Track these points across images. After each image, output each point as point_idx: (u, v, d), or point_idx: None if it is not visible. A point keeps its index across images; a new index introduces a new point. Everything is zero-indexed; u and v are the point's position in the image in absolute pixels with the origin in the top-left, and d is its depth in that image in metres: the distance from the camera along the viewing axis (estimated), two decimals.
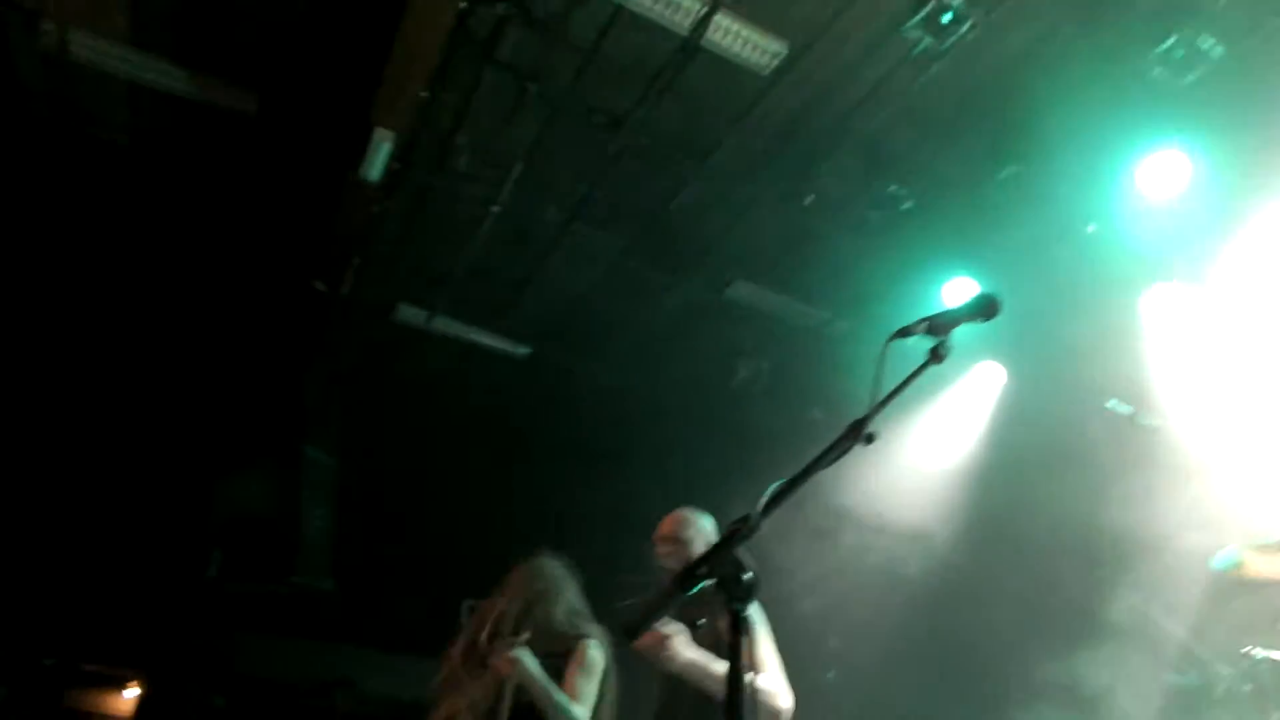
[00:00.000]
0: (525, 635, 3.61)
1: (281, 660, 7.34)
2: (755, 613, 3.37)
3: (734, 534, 1.87)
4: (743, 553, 1.86)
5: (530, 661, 3.54)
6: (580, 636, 3.73)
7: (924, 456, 6.90)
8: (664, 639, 3.08)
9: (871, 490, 6.96)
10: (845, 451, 2.03)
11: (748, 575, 1.84)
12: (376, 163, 5.19)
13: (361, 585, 7.43)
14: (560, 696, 3.55)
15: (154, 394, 6.97)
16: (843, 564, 6.91)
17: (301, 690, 7.46)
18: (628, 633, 1.79)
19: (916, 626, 6.63)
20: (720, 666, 3.09)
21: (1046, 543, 4.89)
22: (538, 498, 7.24)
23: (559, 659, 3.68)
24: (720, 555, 1.84)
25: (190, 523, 6.75)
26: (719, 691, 3.07)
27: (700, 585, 1.83)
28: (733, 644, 1.80)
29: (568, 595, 3.85)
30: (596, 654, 3.72)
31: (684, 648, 3.08)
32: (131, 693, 8.75)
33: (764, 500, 1.91)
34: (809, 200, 5.16)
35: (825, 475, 6.46)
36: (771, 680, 3.16)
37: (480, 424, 7.18)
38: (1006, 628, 5.90)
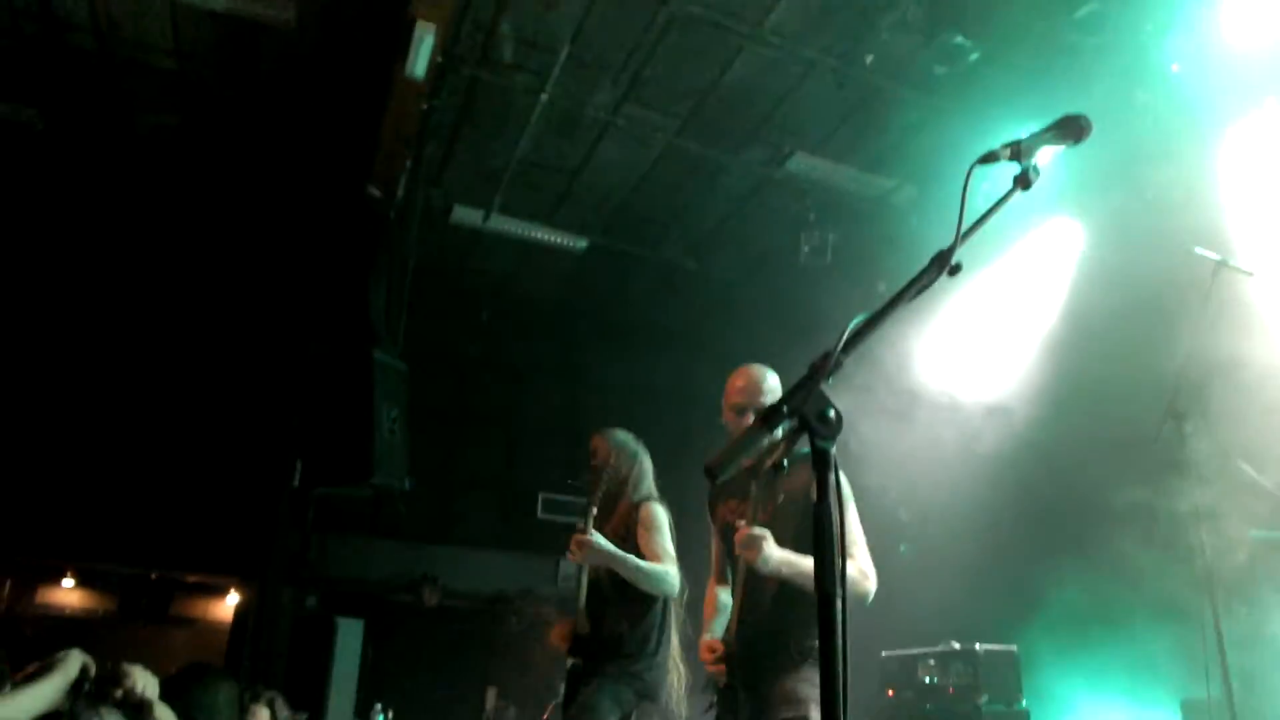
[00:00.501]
0: (592, 511, 3.62)
1: (367, 560, 7.56)
2: (844, 483, 3.34)
3: (816, 370, 1.80)
4: (826, 389, 1.80)
5: (599, 540, 3.54)
6: (641, 501, 3.76)
7: (999, 327, 6.75)
8: (756, 540, 2.97)
9: (945, 367, 6.85)
10: (929, 285, 1.94)
11: (831, 411, 1.78)
12: (420, 57, 5.08)
13: (438, 484, 7.61)
14: (638, 562, 3.57)
15: (226, 318, 7.11)
16: (915, 444, 6.84)
17: (389, 588, 7.68)
18: (708, 473, 1.74)
19: (993, 498, 6.57)
20: (810, 564, 3.04)
21: (1130, 401, 4.76)
22: (605, 385, 7.25)
23: (628, 529, 3.70)
24: (803, 393, 1.78)
25: (274, 436, 6.99)
26: (808, 585, 2.97)
27: (784, 424, 1.77)
28: (820, 480, 1.75)
29: (640, 465, 3.88)
30: (659, 510, 3.75)
31: (774, 548, 2.99)
32: (231, 599, 9.23)
33: (845, 335, 1.84)
34: (869, 60, 4.92)
35: (896, 355, 6.30)
36: (859, 561, 3.10)
37: (544, 318, 7.17)
38: (1090, 489, 5.81)
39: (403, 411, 6.01)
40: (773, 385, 3.44)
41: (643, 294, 6.97)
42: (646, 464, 3.93)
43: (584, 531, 3.56)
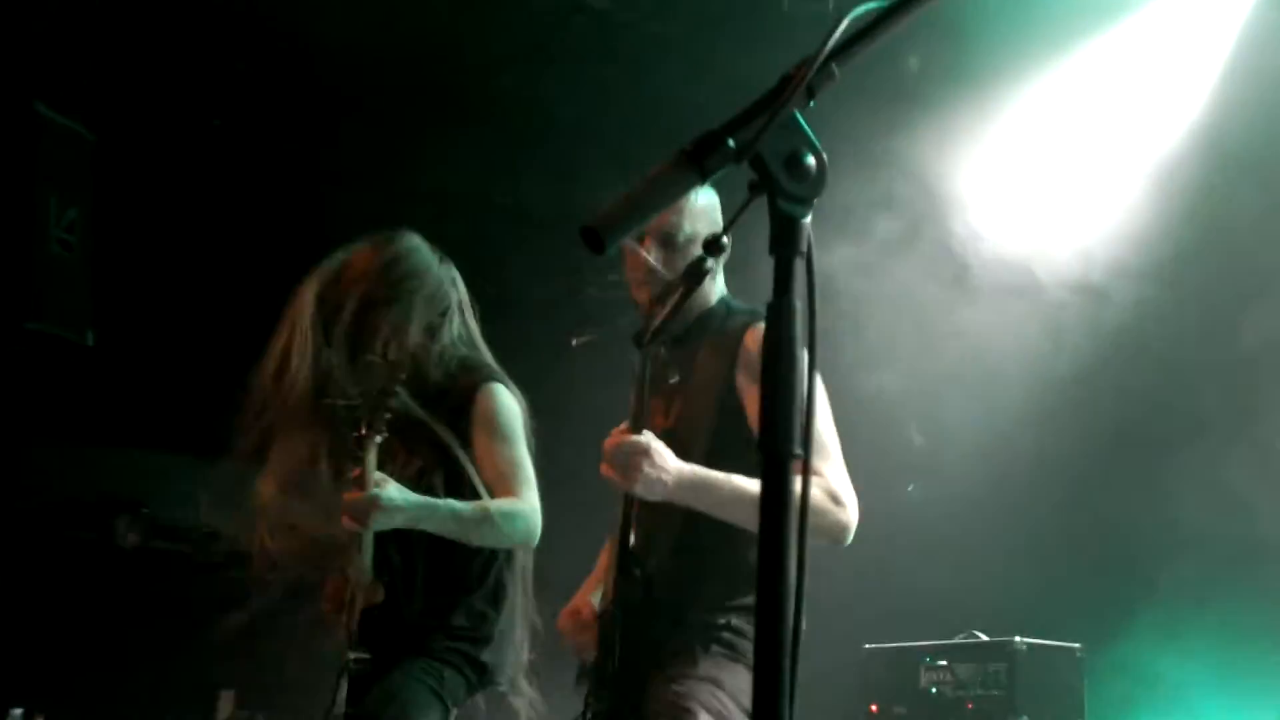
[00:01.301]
0: (375, 439, 3.57)
1: (16, 471, 7.44)
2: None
3: (787, 85, 1.67)
4: (801, 118, 1.67)
5: (395, 495, 3.53)
6: (475, 384, 3.80)
7: (1094, 153, 6.72)
8: (632, 451, 3.00)
9: (1003, 216, 6.83)
10: None
11: (808, 153, 1.65)
12: None
13: (145, 345, 7.46)
14: (471, 508, 3.61)
15: None
16: (947, 331, 6.88)
17: (64, 516, 7.64)
18: (591, 238, 1.59)
19: (1059, 422, 6.67)
20: (745, 484, 3.04)
21: None
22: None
23: (447, 424, 3.74)
24: (762, 120, 1.63)
25: None
26: (741, 516, 3.05)
27: (723, 167, 1.63)
28: (780, 275, 1.62)
29: (440, 311, 3.86)
30: (505, 397, 3.82)
31: (670, 461, 3.03)
32: None
33: (842, 28, 1.70)
34: None
35: (925, 190, 6.24)
36: (828, 480, 3.15)
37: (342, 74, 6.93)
38: (1216, 416, 5.94)
39: (86, 211, 5.85)
40: (708, 207, 3.46)
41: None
42: (461, 308, 3.94)
43: (362, 481, 3.53)
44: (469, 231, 7.06)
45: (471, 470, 3.78)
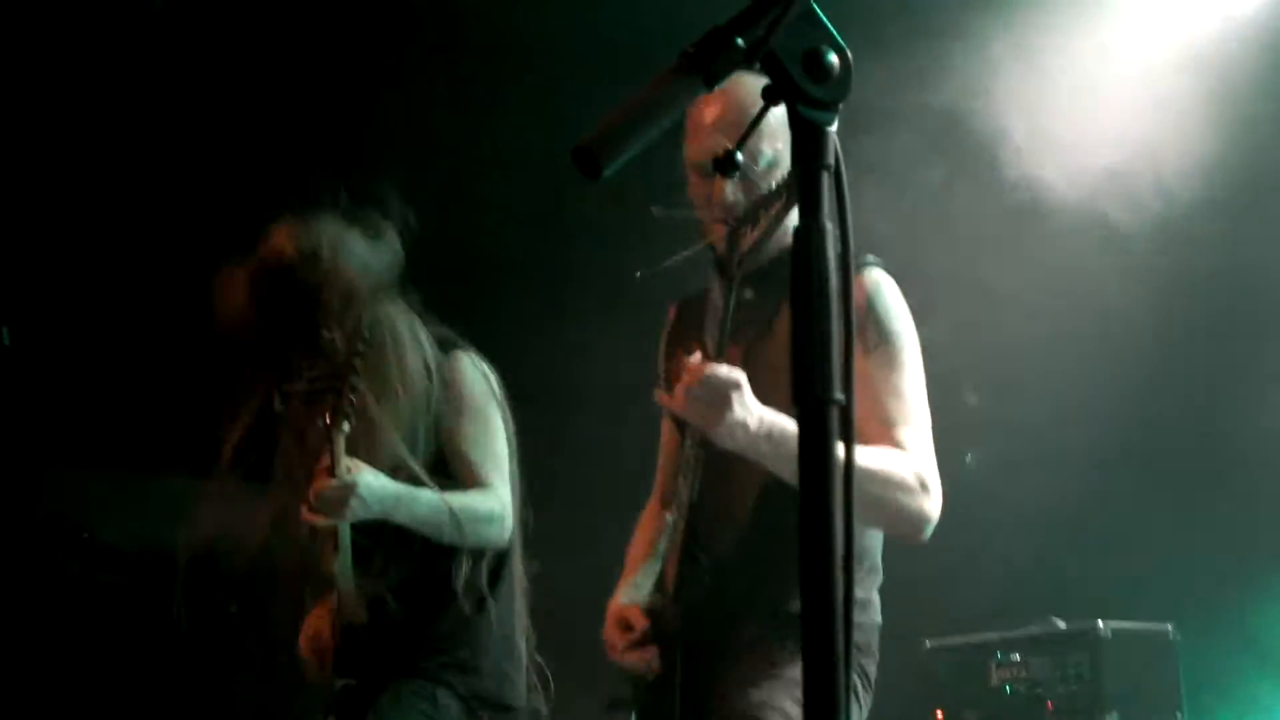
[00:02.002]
0: (343, 425, 3.62)
1: None
2: (886, 292, 3.33)
3: None
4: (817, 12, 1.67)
5: (371, 481, 3.58)
6: (440, 353, 3.89)
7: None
8: (718, 386, 2.92)
9: (1061, 147, 6.79)
10: None
11: (829, 50, 1.65)
12: None
13: (70, 344, 7.47)
14: (440, 500, 3.67)
15: None
16: (1001, 271, 6.87)
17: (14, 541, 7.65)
18: (585, 159, 1.57)
19: (1138, 376, 6.66)
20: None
21: None
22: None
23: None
24: (775, 11, 1.62)
25: None
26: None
27: (731, 71, 1.61)
28: (806, 192, 1.61)
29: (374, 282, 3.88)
30: (472, 368, 3.90)
31: (751, 403, 2.96)
32: None
33: None
34: None
35: (974, 113, 6.21)
36: (913, 455, 3.14)
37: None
38: None
39: None
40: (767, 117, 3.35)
41: None
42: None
43: (329, 468, 3.59)
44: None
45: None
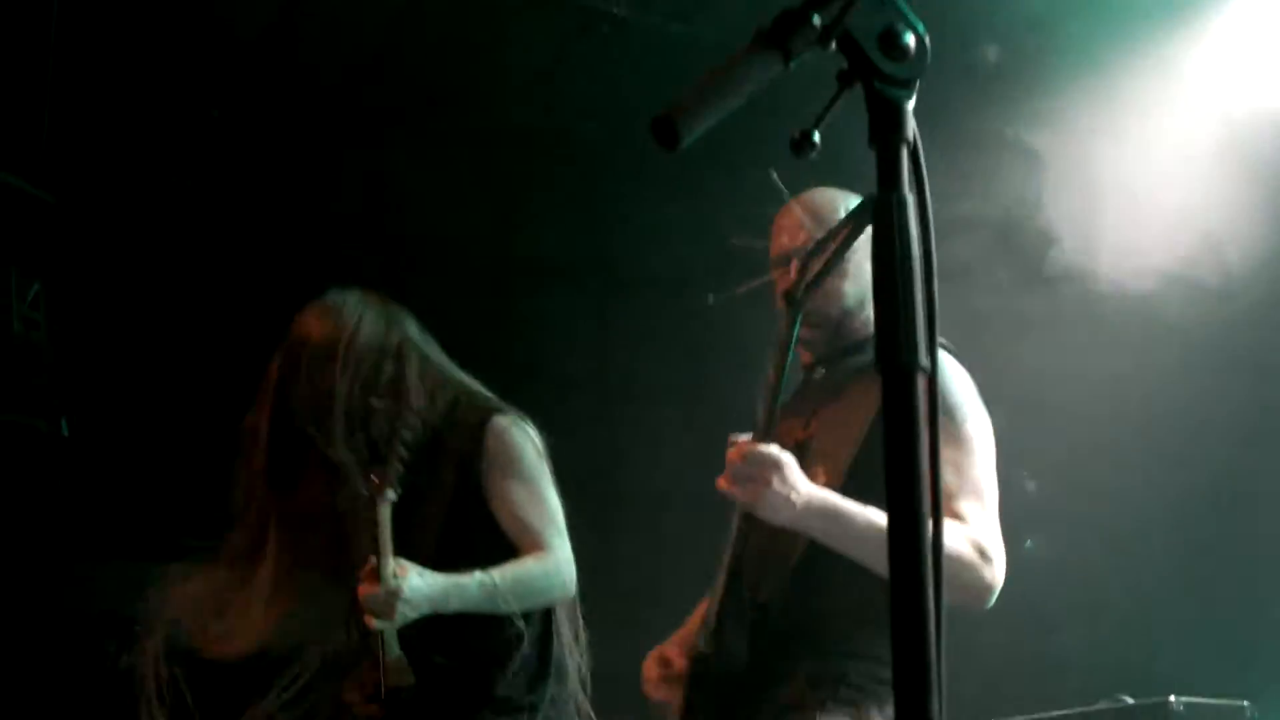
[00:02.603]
0: (388, 495, 3.68)
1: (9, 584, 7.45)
2: (956, 380, 3.38)
3: None
4: None
5: (419, 584, 3.61)
6: (480, 421, 3.89)
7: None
8: (761, 463, 3.00)
9: (1117, 215, 6.81)
10: None
11: (905, 29, 1.66)
12: None
13: (124, 437, 7.53)
14: (500, 575, 3.69)
15: None
16: (1059, 355, 6.87)
17: (59, 640, 7.58)
18: (666, 129, 1.59)
19: (1187, 453, 6.63)
20: (882, 519, 3.02)
21: None
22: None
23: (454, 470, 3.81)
24: None
25: None
26: (872, 554, 3.02)
27: (808, 49, 1.63)
28: (884, 173, 1.61)
29: (410, 355, 3.98)
30: (517, 432, 3.92)
31: (800, 481, 3.03)
32: None
33: None
34: None
35: (1029, 193, 6.22)
36: (974, 528, 3.16)
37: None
38: None
39: (50, 285, 5.99)
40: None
41: None
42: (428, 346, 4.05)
43: (375, 569, 3.63)
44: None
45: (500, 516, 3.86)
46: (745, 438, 3.08)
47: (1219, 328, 6.62)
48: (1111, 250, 6.81)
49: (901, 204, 1.59)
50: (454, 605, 3.69)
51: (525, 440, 3.95)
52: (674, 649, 3.38)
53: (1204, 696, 5.55)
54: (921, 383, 1.54)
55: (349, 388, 3.85)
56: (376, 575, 3.58)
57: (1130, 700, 5.64)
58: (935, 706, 1.52)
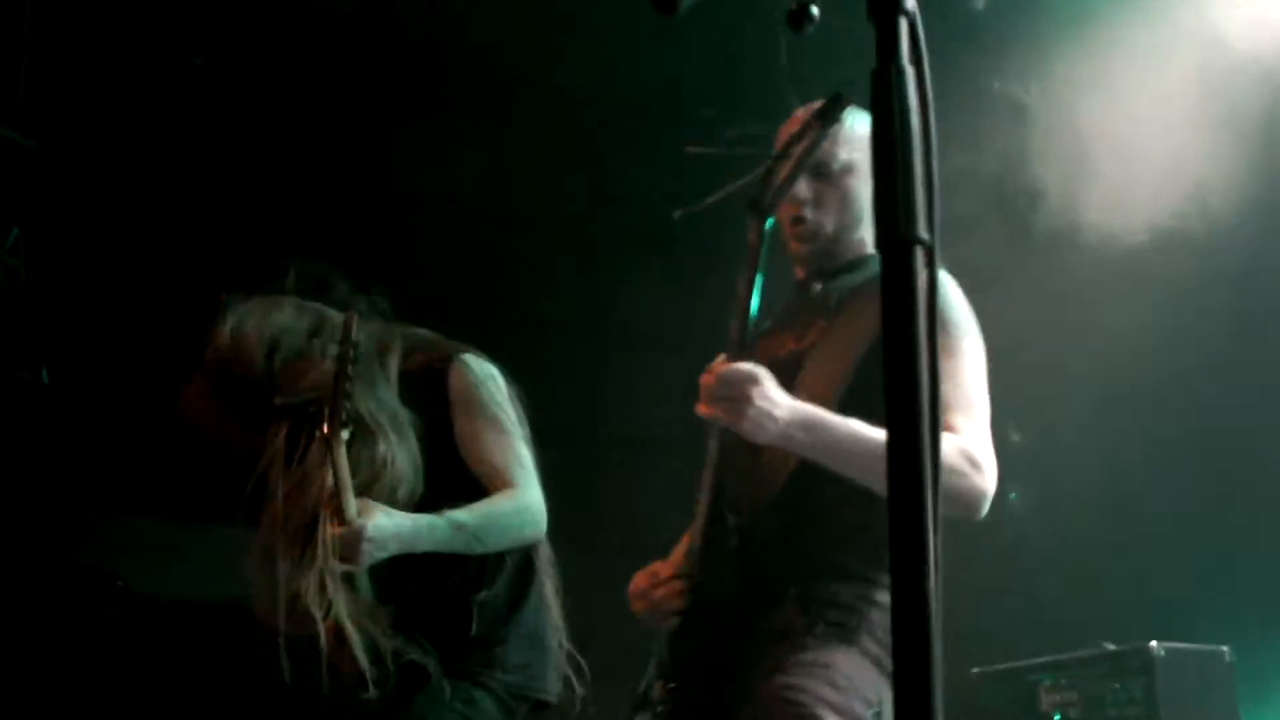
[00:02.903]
0: (341, 436, 3.62)
1: None
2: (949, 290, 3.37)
3: None
4: None
5: (384, 523, 3.57)
6: (444, 359, 3.88)
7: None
8: (738, 381, 2.97)
9: (1104, 163, 6.79)
10: None
11: None
12: None
13: (107, 388, 7.52)
14: (466, 515, 3.64)
15: None
16: (1037, 307, 6.86)
17: (47, 591, 7.57)
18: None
19: (1173, 402, 6.64)
20: (868, 430, 2.99)
21: None
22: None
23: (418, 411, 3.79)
24: None
25: None
26: (861, 467, 3.00)
27: None
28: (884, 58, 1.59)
29: (329, 321, 3.92)
30: (484, 370, 3.90)
31: (779, 396, 2.99)
32: None
33: None
34: None
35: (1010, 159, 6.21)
36: (964, 438, 3.12)
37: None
38: None
39: (29, 231, 6.00)
40: (866, 136, 3.41)
41: None
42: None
43: (340, 507, 3.57)
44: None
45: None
46: (719, 359, 3.06)
47: (1205, 279, 6.62)
48: (1099, 204, 6.81)
49: (901, 74, 1.57)
50: (424, 545, 3.63)
51: (490, 380, 3.92)
52: (660, 565, 3.33)
53: (1185, 642, 5.58)
54: (920, 258, 1.53)
55: (271, 378, 3.83)
56: (340, 516, 3.53)
57: (1112, 646, 5.66)
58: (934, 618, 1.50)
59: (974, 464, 3.10)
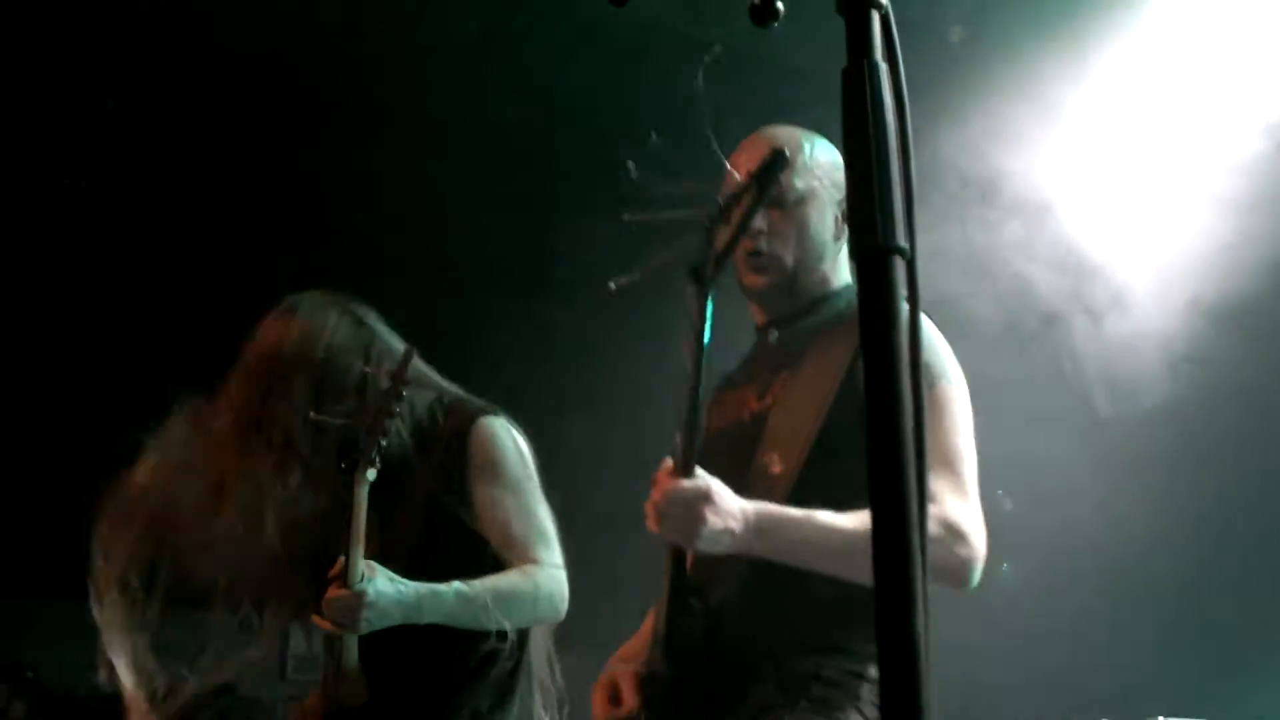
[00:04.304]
0: (367, 474, 3.68)
1: None
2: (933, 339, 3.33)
3: None
4: None
5: (386, 590, 3.58)
6: (465, 423, 3.88)
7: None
8: (681, 499, 2.93)
9: (1100, 222, 6.85)
10: None
11: None
12: None
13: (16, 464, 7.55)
14: (483, 589, 3.65)
15: None
16: (1028, 371, 6.90)
17: None
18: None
19: (1169, 471, 6.68)
20: (832, 518, 2.98)
21: None
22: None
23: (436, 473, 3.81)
24: None
25: None
26: (828, 558, 2.99)
27: None
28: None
29: (383, 359, 3.95)
30: (505, 435, 3.90)
31: (730, 501, 2.96)
32: None
33: None
34: None
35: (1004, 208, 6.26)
36: (947, 508, 3.10)
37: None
38: None
39: None
40: (828, 164, 3.45)
41: None
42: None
43: (342, 573, 3.59)
44: None
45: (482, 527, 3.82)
46: (665, 469, 3.01)
47: (1206, 332, 6.67)
48: (1098, 257, 6.86)
49: (874, 70, 1.55)
50: (428, 616, 3.63)
51: (511, 445, 3.91)
52: (625, 677, 3.24)
53: (1193, 718, 5.58)
54: (899, 268, 1.51)
55: (318, 395, 3.83)
56: (344, 577, 3.53)
57: None
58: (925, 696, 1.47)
59: (954, 532, 3.06)
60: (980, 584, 3.11)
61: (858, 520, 2.88)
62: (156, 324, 7.31)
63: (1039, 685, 6.39)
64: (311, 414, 3.78)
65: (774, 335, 3.44)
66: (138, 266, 7.28)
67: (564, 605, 3.78)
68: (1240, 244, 6.48)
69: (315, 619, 3.63)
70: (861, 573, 2.78)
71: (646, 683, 3.17)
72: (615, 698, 3.27)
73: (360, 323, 3.97)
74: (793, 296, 3.39)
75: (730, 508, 2.92)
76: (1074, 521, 6.89)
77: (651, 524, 2.96)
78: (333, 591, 3.53)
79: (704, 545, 2.92)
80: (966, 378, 3.32)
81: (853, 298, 3.41)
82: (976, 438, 3.27)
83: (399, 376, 3.68)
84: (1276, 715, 5.93)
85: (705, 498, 2.89)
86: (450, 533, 3.79)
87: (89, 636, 8.07)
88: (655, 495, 2.95)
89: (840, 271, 3.47)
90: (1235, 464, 6.67)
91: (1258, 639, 6.29)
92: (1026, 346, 6.91)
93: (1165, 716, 5.52)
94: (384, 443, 3.65)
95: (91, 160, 7.03)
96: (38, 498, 7.61)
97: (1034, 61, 6.46)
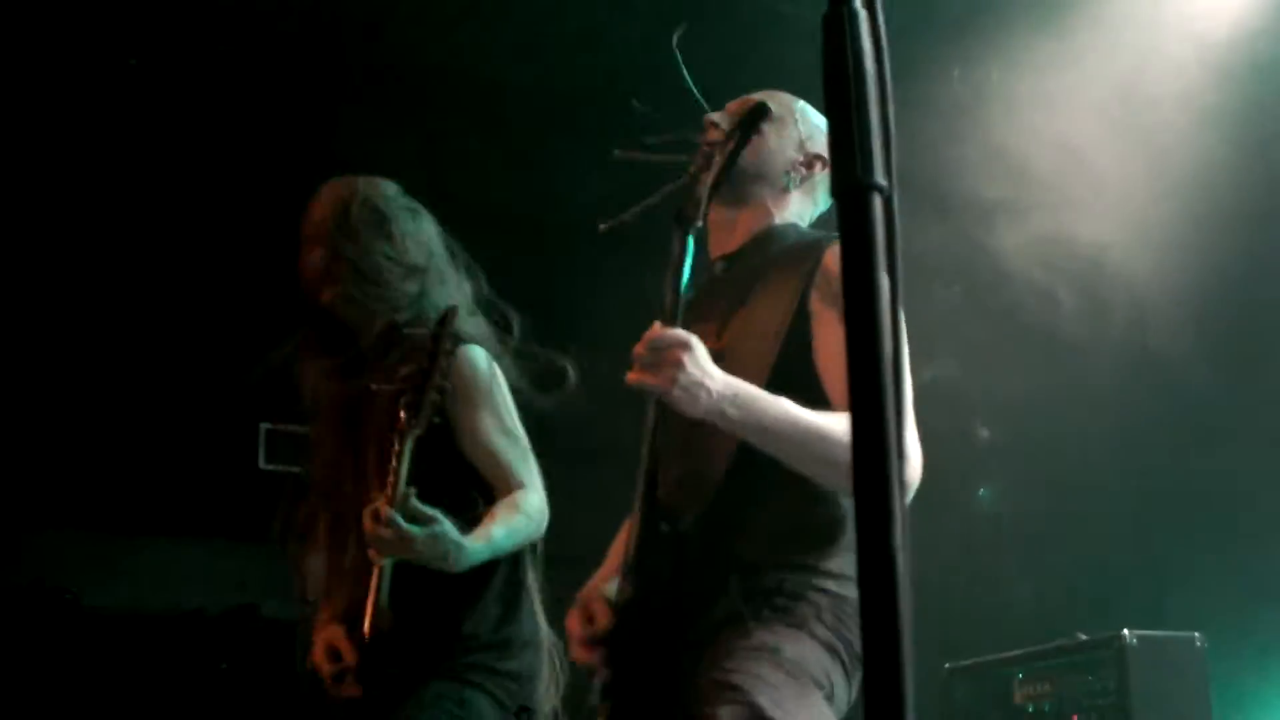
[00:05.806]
0: (413, 434, 3.63)
1: None
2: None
3: None
4: None
5: (399, 522, 3.54)
6: (447, 349, 3.79)
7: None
8: (669, 346, 2.91)
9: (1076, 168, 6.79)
10: None
11: None
12: None
13: (56, 400, 7.56)
14: (492, 528, 3.68)
15: None
16: (1004, 306, 6.88)
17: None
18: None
19: (1142, 395, 6.67)
20: (802, 410, 2.98)
21: None
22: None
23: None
24: None
25: None
26: (795, 447, 2.98)
27: None
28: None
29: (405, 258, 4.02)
30: (483, 360, 3.91)
31: (713, 372, 2.94)
32: None
33: None
34: None
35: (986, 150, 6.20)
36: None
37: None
38: None
39: None
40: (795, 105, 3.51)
41: None
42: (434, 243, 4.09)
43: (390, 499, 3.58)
44: None
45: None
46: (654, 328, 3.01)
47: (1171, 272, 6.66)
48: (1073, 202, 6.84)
49: (853, 16, 1.53)
50: (460, 563, 3.64)
51: (493, 371, 3.92)
52: (598, 601, 3.23)
53: (1157, 630, 5.60)
54: (878, 205, 1.48)
55: (359, 245, 3.93)
56: (388, 512, 3.51)
57: (1084, 637, 5.67)
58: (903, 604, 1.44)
59: (910, 452, 3.02)
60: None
61: (825, 418, 2.92)
62: (189, 268, 7.31)
63: (1008, 607, 6.44)
64: (370, 384, 3.85)
65: (720, 267, 3.47)
66: (181, 220, 7.30)
67: (545, 522, 3.83)
68: None
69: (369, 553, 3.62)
70: (823, 464, 2.87)
71: (617, 603, 3.15)
72: (590, 619, 3.24)
73: (400, 202, 4.11)
74: (735, 235, 3.44)
75: (709, 366, 2.92)
76: (1048, 442, 6.91)
77: (633, 374, 2.94)
78: (375, 523, 3.52)
79: (680, 394, 2.88)
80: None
81: (799, 234, 3.47)
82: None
83: (444, 330, 3.66)
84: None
85: (686, 345, 2.89)
86: (437, 453, 3.75)
87: (120, 563, 8.15)
88: (638, 347, 2.95)
89: (790, 209, 3.50)
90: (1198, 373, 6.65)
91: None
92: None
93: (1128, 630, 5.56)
94: (438, 398, 3.63)
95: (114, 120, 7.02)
96: (76, 434, 7.67)
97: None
